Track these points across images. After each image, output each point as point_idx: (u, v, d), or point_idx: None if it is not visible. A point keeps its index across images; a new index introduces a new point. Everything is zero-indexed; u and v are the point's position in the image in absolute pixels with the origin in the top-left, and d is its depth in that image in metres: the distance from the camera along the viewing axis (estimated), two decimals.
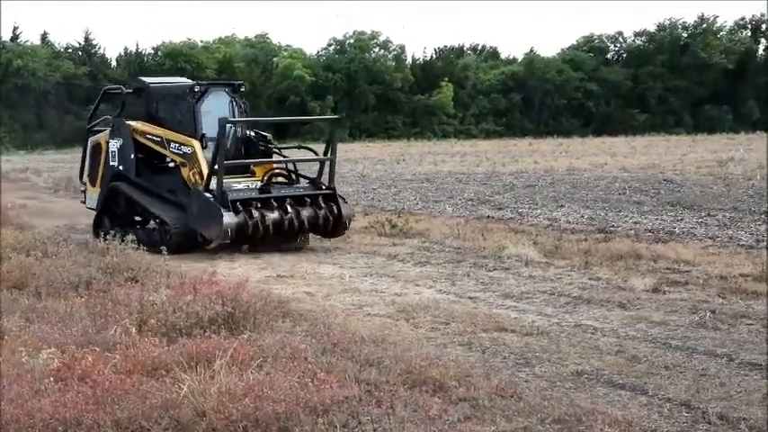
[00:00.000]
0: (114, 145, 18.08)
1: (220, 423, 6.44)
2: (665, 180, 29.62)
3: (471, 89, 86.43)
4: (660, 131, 78.87)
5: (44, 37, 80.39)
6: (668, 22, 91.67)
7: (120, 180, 17.93)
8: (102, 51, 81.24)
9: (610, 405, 7.27)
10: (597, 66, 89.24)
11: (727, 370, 8.29)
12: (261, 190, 16.67)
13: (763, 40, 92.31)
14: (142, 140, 17.72)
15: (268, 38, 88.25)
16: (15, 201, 24.51)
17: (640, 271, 13.31)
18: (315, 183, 17.29)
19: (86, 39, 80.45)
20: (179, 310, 9.24)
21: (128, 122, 17.95)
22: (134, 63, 79.57)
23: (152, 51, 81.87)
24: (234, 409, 6.52)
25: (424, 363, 7.94)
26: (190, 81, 18.70)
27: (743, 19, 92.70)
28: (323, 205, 16.64)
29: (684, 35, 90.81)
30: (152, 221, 17.52)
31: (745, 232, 17.15)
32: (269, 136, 17.96)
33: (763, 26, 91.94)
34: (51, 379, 7.28)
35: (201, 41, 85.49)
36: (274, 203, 16.28)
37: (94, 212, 18.52)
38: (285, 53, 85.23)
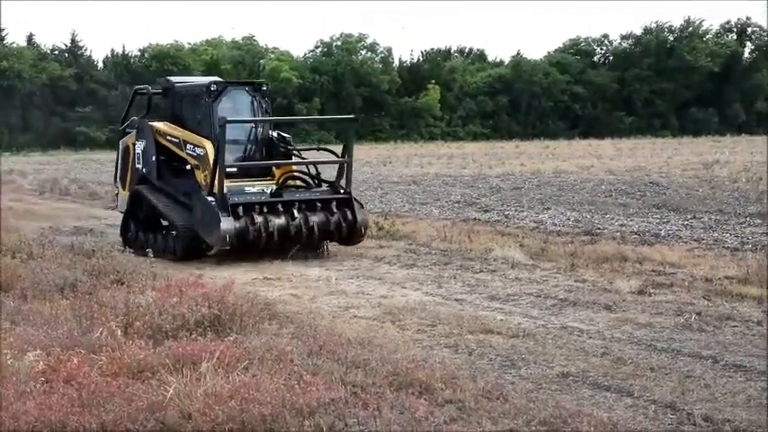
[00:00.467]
0: (139, 147, 17.60)
1: (206, 425, 6.44)
2: (650, 182, 29.72)
3: (458, 91, 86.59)
4: (646, 134, 79.23)
5: (30, 38, 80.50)
6: (654, 26, 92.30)
7: (143, 183, 17.35)
8: (88, 53, 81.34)
9: (595, 407, 7.29)
10: (584, 68, 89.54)
11: (713, 372, 8.32)
12: (273, 194, 15.72)
13: (748, 44, 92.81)
14: (163, 142, 17.10)
15: (255, 40, 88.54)
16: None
17: (626, 273, 13.34)
18: (333, 187, 16.35)
19: (73, 40, 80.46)
20: (165, 312, 9.22)
21: (150, 123, 17.38)
22: (120, 65, 79.63)
23: (139, 53, 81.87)
24: (220, 412, 6.52)
25: (411, 365, 7.95)
26: (218, 80, 17.78)
27: (728, 22, 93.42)
28: (335, 210, 15.77)
29: (670, 38, 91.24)
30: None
31: (731, 235, 17.22)
32: (288, 137, 17.06)
33: (749, 29, 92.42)
34: (37, 381, 7.26)
35: (188, 43, 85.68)
36: (280, 208, 15.40)
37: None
38: (272, 55, 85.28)
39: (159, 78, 20.11)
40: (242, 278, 13.60)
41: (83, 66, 77.76)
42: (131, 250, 15.79)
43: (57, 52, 79.75)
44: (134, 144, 17.79)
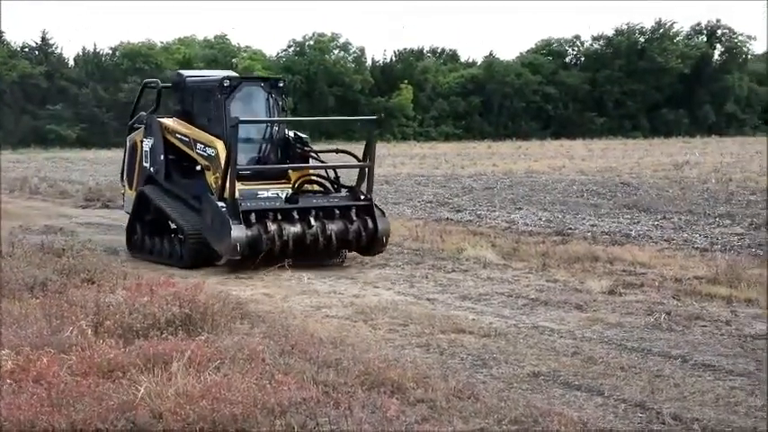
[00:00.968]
0: (147, 144, 16.50)
1: (177, 425, 6.42)
2: (621, 183, 29.89)
3: (431, 92, 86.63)
4: (617, 135, 79.57)
5: None
6: (626, 27, 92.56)
7: (150, 183, 16.28)
8: (59, 51, 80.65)
9: (566, 406, 7.33)
10: (556, 69, 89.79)
11: (682, 371, 8.39)
12: (288, 199, 14.59)
13: (718, 45, 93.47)
14: (172, 140, 16.01)
15: (227, 39, 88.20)
16: None
17: (597, 273, 13.42)
18: (353, 192, 15.22)
19: (43, 38, 79.73)
20: (136, 311, 9.18)
21: (159, 120, 16.32)
22: (91, 63, 79.15)
23: (110, 51, 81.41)
24: (191, 411, 6.50)
25: (383, 364, 7.97)
26: (232, 74, 16.72)
27: (699, 24, 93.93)
28: (355, 218, 14.69)
29: (642, 40, 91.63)
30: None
31: (700, 235, 17.35)
32: (306, 138, 15.89)
33: (719, 31, 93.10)
34: (6, 381, 7.21)
35: (161, 42, 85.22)
36: (296, 215, 14.37)
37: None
38: (245, 54, 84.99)
39: (172, 72, 19.21)
40: (213, 278, 13.57)
41: (53, 63, 77.20)
42: (136, 255, 15.39)
43: (27, 50, 79.12)
44: (142, 141, 16.78)
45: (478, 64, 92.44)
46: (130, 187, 17.29)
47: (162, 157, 16.07)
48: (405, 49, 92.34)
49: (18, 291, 10.90)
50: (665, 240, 16.83)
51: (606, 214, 21.22)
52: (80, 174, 40.31)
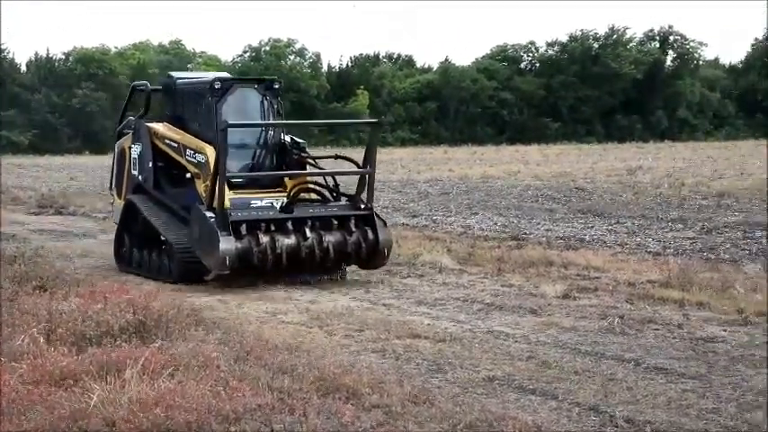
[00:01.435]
0: (135, 151, 15.67)
1: None
2: (576, 188, 30.10)
3: (387, 97, 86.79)
4: (572, 140, 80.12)
5: None
6: (580, 33, 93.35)
7: (139, 192, 15.42)
8: (11, 56, 79.61)
9: (520, 410, 7.37)
10: (511, 75, 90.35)
11: (634, 374, 8.47)
12: (283, 208, 13.68)
13: (670, 51, 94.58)
14: (161, 146, 15.22)
15: (182, 44, 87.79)
16: None
17: (551, 277, 13.52)
18: (353, 201, 14.22)
19: None
20: (89, 318, 9.11)
21: (148, 125, 15.50)
22: (44, 68, 78.31)
23: (63, 57, 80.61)
24: (145, 419, 6.46)
25: (338, 370, 7.97)
26: (224, 76, 15.73)
27: (651, 30, 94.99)
28: (354, 229, 13.74)
29: (595, 46, 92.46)
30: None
31: (653, 239, 17.55)
32: (303, 143, 14.96)
33: (671, 37, 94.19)
34: None
35: (115, 47, 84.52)
36: (290, 226, 13.44)
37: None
38: (200, 59, 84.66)
39: (162, 75, 18.38)
40: (168, 284, 13.48)
41: (5, 69, 76.28)
42: (124, 269, 14.84)
43: None
44: (130, 147, 15.93)
45: (434, 69, 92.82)
46: (119, 196, 16.40)
47: (150, 164, 15.32)
48: (361, 54, 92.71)
49: None
50: (618, 245, 16.99)
51: (561, 219, 21.38)
52: (32, 180, 39.88)
